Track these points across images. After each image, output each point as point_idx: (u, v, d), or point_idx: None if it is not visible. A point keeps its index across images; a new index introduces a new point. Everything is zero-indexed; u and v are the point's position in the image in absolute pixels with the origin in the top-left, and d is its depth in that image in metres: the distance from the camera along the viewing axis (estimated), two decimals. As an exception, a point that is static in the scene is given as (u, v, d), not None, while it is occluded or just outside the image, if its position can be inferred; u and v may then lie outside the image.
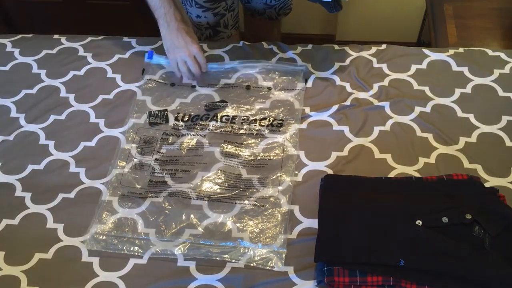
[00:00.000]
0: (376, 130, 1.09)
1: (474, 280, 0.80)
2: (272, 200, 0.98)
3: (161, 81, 1.23)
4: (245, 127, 1.11)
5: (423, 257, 0.83)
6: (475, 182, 0.94)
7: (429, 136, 1.07)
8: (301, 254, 0.90)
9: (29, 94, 1.21)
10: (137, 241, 0.93)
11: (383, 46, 1.28)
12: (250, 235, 0.93)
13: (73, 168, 1.05)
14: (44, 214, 0.98)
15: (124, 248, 0.92)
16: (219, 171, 1.03)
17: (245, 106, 1.16)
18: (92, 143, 1.10)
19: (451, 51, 1.26)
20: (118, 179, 1.03)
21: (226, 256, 0.90)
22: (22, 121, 1.15)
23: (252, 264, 0.89)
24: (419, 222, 0.86)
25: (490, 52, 1.25)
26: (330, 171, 1.02)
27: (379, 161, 1.04)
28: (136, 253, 0.92)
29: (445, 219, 0.87)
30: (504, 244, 0.85)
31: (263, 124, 1.12)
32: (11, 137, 1.12)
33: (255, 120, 1.13)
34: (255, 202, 0.98)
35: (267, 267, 0.89)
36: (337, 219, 0.90)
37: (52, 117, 1.16)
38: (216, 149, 1.07)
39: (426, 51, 1.27)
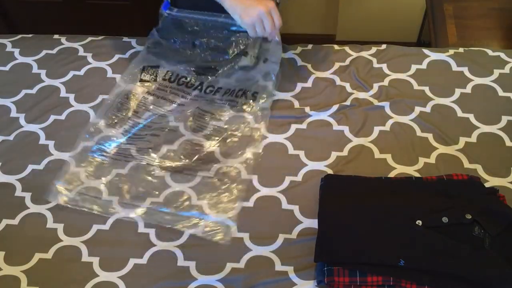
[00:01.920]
0: (376, 130, 1.09)
1: (474, 280, 0.81)
2: (233, 173, 1.02)
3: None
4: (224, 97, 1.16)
5: (423, 257, 0.83)
6: (475, 182, 0.94)
7: (429, 136, 1.07)
8: (301, 254, 0.90)
9: (29, 94, 1.21)
10: (98, 201, 0.98)
11: (383, 46, 1.28)
12: (206, 207, 0.97)
13: (73, 168, 1.05)
14: (44, 214, 0.98)
15: (85, 205, 0.97)
16: (184, 143, 1.08)
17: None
18: (92, 143, 1.10)
19: (451, 51, 1.26)
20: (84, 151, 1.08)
21: (179, 225, 0.95)
22: (22, 121, 1.15)
23: (199, 235, 0.93)
24: (419, 222, 0.87)
25: (490, 52, 1.25)
26: (330, 171, 1.02)
27: (379, 161, 1.04)
28: (96, 212, 0.96)
29: (445, 219, 0.87)
30: (504, 244, 0.85)
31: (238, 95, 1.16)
32: (11, 137, 1.12)
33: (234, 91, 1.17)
34: (214, 175, 1.02)
35: (214, 239, 0.93)
36: (337, 219, 0.90)
37: (52, 117, 1.16)
38: (181, 124, 1.11)
39: (426, 51, 1.27)
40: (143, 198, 0.99)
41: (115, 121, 1.11)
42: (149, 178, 1.02)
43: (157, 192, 1.00)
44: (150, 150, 1.06)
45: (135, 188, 1.00)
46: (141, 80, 1.19)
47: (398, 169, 1.02)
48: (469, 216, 0.87)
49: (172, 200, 0.99)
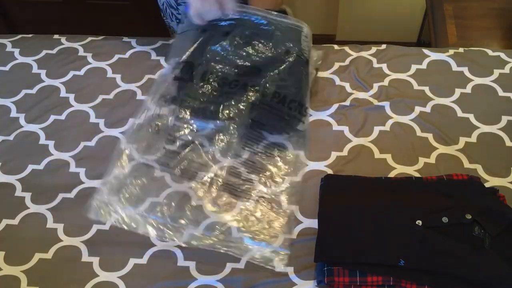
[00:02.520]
0: (376, 130, 1.09)
1: (473, 280, 0.81)
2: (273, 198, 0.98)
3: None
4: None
5: (423, 257, 0.83)
6: (475, 182, 0.94)
7: (429, 136, 1.07)
8: (301, 254, 0.90)
9: (29, 94, 1.21)
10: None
11: (383, 46, 1.28)
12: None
13: (73, 168, 1.06)
14: (44, 214, 0.98)
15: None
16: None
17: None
18: (92, 143, 1.10)
19: (451, 51, 1.26)
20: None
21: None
22: (22, 121, 1.15)
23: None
24: (419, 222, 0.87)
25: (490, 52, 1.25)
26: (330, 171, 1.02)
27: (379, 161, 1.04)
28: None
29: (445, 219, 0.87)
30: (504, 244, 0.85)
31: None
32: (11, 137, 1.12)
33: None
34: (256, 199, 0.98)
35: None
36: (337, 219, 0.90)
37: (52, 117, 1.16)
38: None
39: (426, 51, 1.27)
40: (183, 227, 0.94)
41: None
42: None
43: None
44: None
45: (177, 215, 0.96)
46: (176, 78, 1.10)
47: (398, 169, 1.02)
48: (469, 216, 0.87)
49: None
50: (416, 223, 0.86)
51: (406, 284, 0.82)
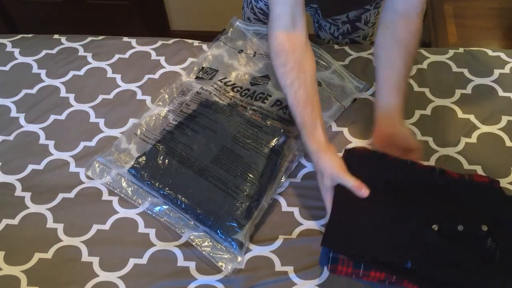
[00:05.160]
0: (376, 130, 1.09)
1: None
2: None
3: (232, 47, 1.26)
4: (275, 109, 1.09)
5: (431, 263, 0.81)
6: (495, 188, 0.91)
7: (429, 140, 1.07)
8: (301, 254, 0.90)
9: (29, 94, 1.21)
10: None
11: (383, 46, 1.28)
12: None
13: (73, 168, 1.06)
14: (44, 214, 0.98)
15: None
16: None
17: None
18: (92, 143, 1.10)
19: (451, 52, 1.26)
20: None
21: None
22: (22, 121, 1.15)
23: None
24: (434, 227, 0.84)
25: (490, 52, 1.25)
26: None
27: (379, 161, 1.04)
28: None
29: (460, 228, 0.84)
30: None
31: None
32: (11, 137, 1.12)
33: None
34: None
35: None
36: (352, 207, 0.87)
37: (52, 117, 1.16)
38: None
39: (426, 51, 1.27)
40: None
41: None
42: None
43: None
44: None
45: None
46: (197, 78, 1.19)
47: (398, 169, 1.02)
48: (485, 228, 0.83)
49: None
50: (432, 227, 0.84)
51: (408, 285, 0.82)
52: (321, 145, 0.93)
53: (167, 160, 1.00)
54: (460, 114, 1.12)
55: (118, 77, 1.24)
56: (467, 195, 0.89)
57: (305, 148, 0.97)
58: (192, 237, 0.93)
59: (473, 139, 1.07)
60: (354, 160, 0.93)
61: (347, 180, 0.87)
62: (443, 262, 0.81)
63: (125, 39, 1.34)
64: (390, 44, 1.01)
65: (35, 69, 1.27)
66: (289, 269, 0.89)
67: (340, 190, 0.89)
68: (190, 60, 1.27)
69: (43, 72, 1.26)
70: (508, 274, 0.80)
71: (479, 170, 1.01)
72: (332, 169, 0.89)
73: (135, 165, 1.01)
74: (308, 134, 0.94)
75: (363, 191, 0.86)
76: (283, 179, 1.01)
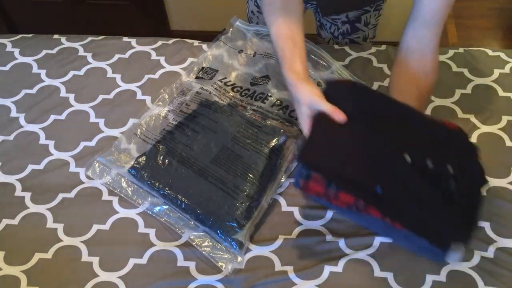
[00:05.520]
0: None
1: (434, 231, 0.79)
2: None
3: (232, 47, 1.25)
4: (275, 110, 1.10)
5: (400, 192, 0.81)
6: (462, 136, 0.90)
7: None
8: (301, 254, 0.90)
9: (29, 94, 1.21)
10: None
11: (383, 46, 1.28)
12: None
13: (73, 168, 1.06)
14: (44, 214, 0.98)
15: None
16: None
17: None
18: (92, 143, 1.10)
19: (451, 52, 1.26)
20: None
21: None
22: (22, 121, 1.15)
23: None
24: (408, 159, 0.83)
25: (490, 52, 1.25)
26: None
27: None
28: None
29: (430, 164, 0.83)
30: (469, 206, 0.83)
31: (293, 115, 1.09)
32: (11, 137, 1.12)
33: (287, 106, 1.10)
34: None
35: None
36: (329, 131, 0.87)
37: (52, 117, 1.16)
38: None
39: (426, 51, 1.26)
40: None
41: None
42: None
43: None
44: None
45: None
46: (197, 78, 1.18)
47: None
48: (451, 169, 0.83)
49: None
50: (406, 159, 0.82)
51: (373, 212, 0.81)
52: (299, 77, 0.92)
53: (167, 160, 1.00)
54: (460, 114, 1.12)
55: (118, 77, 1.24)
56: (439, 136, 0.89)
57: (285, 83, 0.96)
58: (192, 237, 0.93)
59: (473, 139, 1.07)
60: (334, 91, 0.92)
61: (323, 105, 0.86)
62: (411, 192, 0.81)
63: (125, 39, 1.34)
64: (402, 84, 0.98)
65: (35, 69, 1.27)
66: (289, 269, 0.89)
67: (318, 116, 0.88)
68: (190, 60, 1.27)
69: (43, 72, 1.26)
70: (462, 218, 0.80)
71: (479, 170, 1.01)
72: (309, 97, 0.89)
73: (135, 165, 1.01)
74: (287, 67, 0.94)
75: (340, 116, 0.86)
76: (283, 179, 1.01)
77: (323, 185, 0.82)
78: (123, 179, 1.01)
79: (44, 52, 1.31)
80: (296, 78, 0.92)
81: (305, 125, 0.91)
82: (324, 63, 1.21)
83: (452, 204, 0.81)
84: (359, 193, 0.82)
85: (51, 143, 1.10)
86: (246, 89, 1.15)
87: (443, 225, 0.80)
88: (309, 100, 0.89)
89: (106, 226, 0.96)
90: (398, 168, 0.83)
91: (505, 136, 1.07)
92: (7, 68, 1.28)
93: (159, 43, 1.32)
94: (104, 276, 0.89)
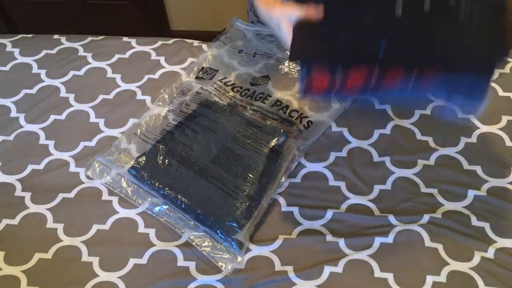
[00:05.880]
0: (376, 133, 1.09)
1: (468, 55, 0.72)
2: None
3: (232, 47, 1.25)
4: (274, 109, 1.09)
5: (404, 46, 0.74)
6: None
7: (429, 140, 1.07)
8: (301, 254, 0.90)
9: (29, 94, 1.21)
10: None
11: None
12: None
13: (73, 168, 1.06)
14: (44, 214, 0.98)
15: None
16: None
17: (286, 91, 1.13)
18: (92, 143, 1.10)
19: (451, 52, 1.26)
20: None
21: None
22: (22, 121, 1.15)
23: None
24: (398, 13, 0.73)
25: (490, 53, 1.25)
26: (328, 172, 1.02)
27: (378, 164, 1.04)
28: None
29: (427, 7, 0.73)
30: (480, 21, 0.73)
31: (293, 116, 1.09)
32: (11, 137, 1.12)
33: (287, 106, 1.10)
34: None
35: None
36: (313, 23, 0.78)
37: (52, 117, 1.16)
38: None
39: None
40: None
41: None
42: None
43: None
44: None
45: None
46: (197, 78, 1.18)
47: (397, 173, 1.02)
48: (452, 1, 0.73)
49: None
50: (396, 14, 0.73)
51: (391, 80, 0.75)
52: (269, 2, 0.88)
53: (167, 160, 1.00)
54: (460, 114, 1.12)
55: (118, 77, 1.24)
56: None
57: (260, 18, 0.92)
58: (192, 237, 0.93)
59: (473, 139, 1.07)
60: None
61: (297, 12, 0.81)
62: (417, 38, 0.73)
63: (125, 39, 1.34)
64: None
65: (35, 69, 1.27)
66: (289, 269, 0.89)
67: (297, 22, 0.81)
68: (190, 60, 1.27)
69: (43, 72, 1.26)
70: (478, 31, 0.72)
71: (479, 170, 1.01)
72: (282, 13, 0.84)
73: (135, 165, 1.01)
74: (259, 1, 0.91)
75: (312, 12, 0.79)
76: (283, 179, 1.01)
77: (326, 78, 0.75)
78: (123, 179, 1.01)
79: (44, 52, 1.31)
80: (267, 6, 0.88)
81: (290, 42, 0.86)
82: None
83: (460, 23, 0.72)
84: (367, 60, 0.74)
85: (51, 143, 1.10)
86: (246, 89, 1.15)
87: (480, 45, 0.71)
88: (284, 15, 0.84)
89: (106, 226, 0.96)
90: (391, 26, 0.74)
91: (505, 136, 1.07)
92: (7, 68, 1.28)
93: (159, 43, 1.32)
94: (104, 276, 0.89)
